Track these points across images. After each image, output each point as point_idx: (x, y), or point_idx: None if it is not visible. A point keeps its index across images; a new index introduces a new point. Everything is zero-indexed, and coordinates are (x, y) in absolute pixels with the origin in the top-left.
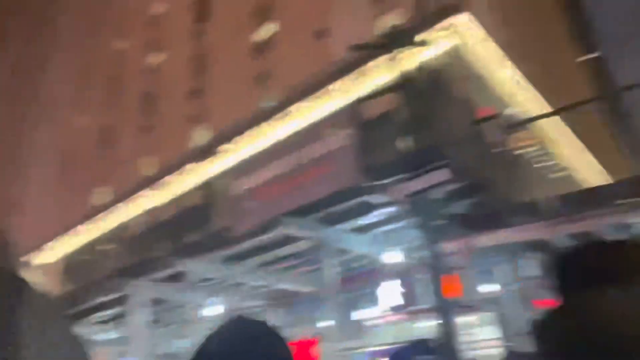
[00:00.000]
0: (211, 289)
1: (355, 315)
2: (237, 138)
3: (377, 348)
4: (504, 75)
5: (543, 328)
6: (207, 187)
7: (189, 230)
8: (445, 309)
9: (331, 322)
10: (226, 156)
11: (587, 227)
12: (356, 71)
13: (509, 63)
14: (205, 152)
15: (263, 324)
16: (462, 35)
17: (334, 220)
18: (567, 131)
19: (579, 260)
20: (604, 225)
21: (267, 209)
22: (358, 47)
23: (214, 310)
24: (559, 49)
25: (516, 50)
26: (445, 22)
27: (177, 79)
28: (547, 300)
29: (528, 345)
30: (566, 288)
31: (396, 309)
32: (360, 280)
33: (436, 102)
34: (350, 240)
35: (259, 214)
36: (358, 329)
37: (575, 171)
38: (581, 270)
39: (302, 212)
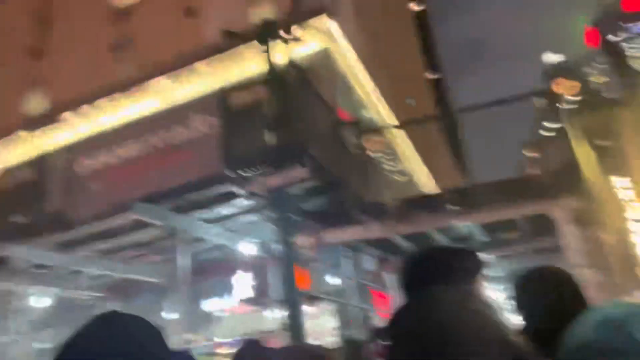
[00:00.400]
0: (41, 277)
1: (206, 305)
2: (85, 108)
3: (224, 339)
4: (362, 82)
5: (391, 325)
6: (42, 161)
7: (16, 210)
8: (294, 300)
9: (176, 314)
10: (69, 128)
11: (421, 228)
12: (226, 57)
13: (366, 72)
14: (43, 120)
15: (139, 319)
16: (329, 39)
17: (189, 208)
18: (409, 143)
19: (420, 262)
20: (435, 228)
21: (116, 193)
22: (229, 34)
23: (42, 301)
24: (411, 67)
25: (373, 61)
26: (313, 24)
27: (13, 32)
28: (382, 293)
29: (362, 334)
30: (411, 287)
31: (247, 300)
32: (213, 271)
33: (301, 100)
34: (205, 229)
35: (105, 197)
36: (207, 319)
37: (416, 177)
38: (423, 271)
39: (155, 198)
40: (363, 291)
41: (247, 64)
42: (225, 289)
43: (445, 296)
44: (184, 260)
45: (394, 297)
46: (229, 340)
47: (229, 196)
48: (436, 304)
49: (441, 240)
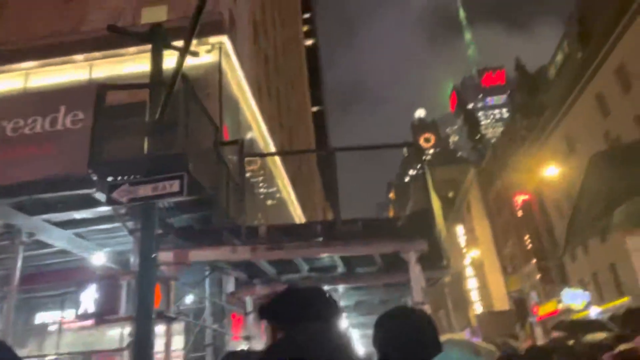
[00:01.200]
0: None
1: (41, 317)
2: None
3: (60, 356)
4: (249, 105)
5: (269, 357)
6: None
7: None
8: (146, 318)
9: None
10: None
11: (288, 256)
12: (108, 53)
13: (253, 95)
14: None
15: None
16: (223, 56)
17: (37, 207)
18: (284, 171)
19: (293, 299)
20: (300, 256)
21: None
22: (115, 29)
23: None
24: (298, 99)
25: (263, 86)
26: (209, 38)
27: None
28: (241, 317)
29: (212, 357)
30: (283, 322)
31: (91, 315)
32: (54, 279)
33: (185, 112)
34: (52, 233)
35: None
36: (39, 333)
37: (288, 206)
38: (296, 308)
39: None
40: (222, 313)
41: (131, 64)
42: (66, 300)
43: (319, 332)
44: (19, 265)
45: (253, 322)
46: (63, 357)
47: (88, 200)
48: (313, 340)
49: (304, 268)
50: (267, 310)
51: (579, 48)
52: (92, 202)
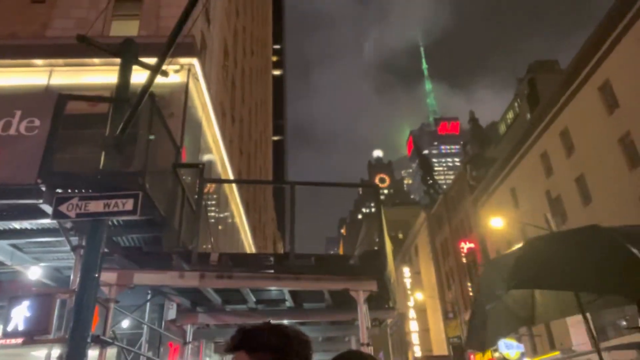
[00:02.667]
0: None
1: None
2: None
3: None
4: (212, 129)
5: None
6: None
7: None
8: (80, 341)
9: None
10: None
11: (236, 285)
12: (72, 61)
13: (217, 119)
14: None
15: None
16: (191, 77)
17: None
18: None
19: (279, 334)
20: (249, 286)
21: None
22: (84, 39)
23: None
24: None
25: (227, 111)
26: (179, 59)
27: None
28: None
29: None
30: (268, 354)
31: (18, 333)
32: None
33: (148, 130)
34: None
35: None
36: None
37: (240, 234)
38: (280, 343)
39: None
40: (159, 341)
41: (92, 75)
42: None
43: None
44: None
45: (190, 351)
46: None
47: (31, 210)
48: None
49: (252, 299)
50: (252, 340)
51: (527, 109)
52: (36, 213)
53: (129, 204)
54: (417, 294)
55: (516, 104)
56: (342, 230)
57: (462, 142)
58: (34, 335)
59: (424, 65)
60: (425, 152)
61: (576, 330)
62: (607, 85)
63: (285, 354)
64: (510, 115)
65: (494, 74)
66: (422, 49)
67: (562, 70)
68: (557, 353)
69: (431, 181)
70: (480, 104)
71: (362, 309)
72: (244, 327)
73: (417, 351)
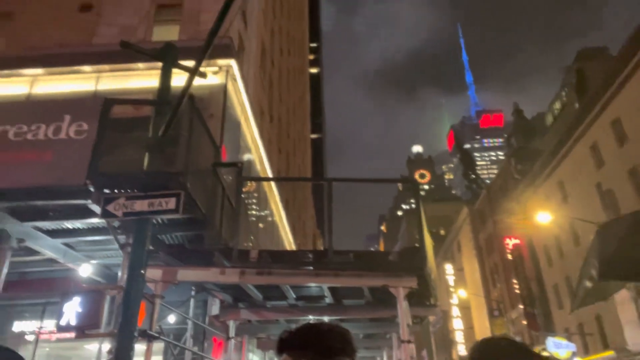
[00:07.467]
0: None
1: (18, 326)
2: None
3: None
4: (251, 128)
5: None
6: None
7: None
8: (128, 336)
9: None
10: None
11: (276, 282)
12: (117, 66)
13: (255, 119)
14: None
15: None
16: (230, 78)
17: (28, 213)
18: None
19: (329, 335)
20: (288, 284)
21: None
22: (127, 45)
23: None
24: (298, 127)
25: (265, 111)
26: (217, 60)
27: None
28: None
29: None
30: (319, 355)
31: (71, 327)
32: (36, 288)
33: (187, 131)
34: (40, 240)
35: None
36: (16, 343)
37: (280, 232)
38: (333, 344)
39: None
40: (203, 336)
41: (137, 79)
42: (47, 310)
43: None
44: (5, 271)
45: (233, 346)
46: None
47: (81, 211)
48: None
49: (292, 295)
50: (297, 342)
51: (575, 98)
52: (86, 213)
53: (171, 203)
54: (460, 291)
55: (563, 94)
56: (382, 227)
57: (505, 135)
58: (85, 329)
59: (465, 57)
60: (467, 146)
61: (631, 329)
62: None
63: (334, 354)
64: (557, 105)
65: (538, 64)
66: (461, 40)
67: (612, 57)
68: (611, 352)
69: (473, 176)
70: (524, 95)
71: (402, 306)
72: (286, 331)
73: (462, 350)
